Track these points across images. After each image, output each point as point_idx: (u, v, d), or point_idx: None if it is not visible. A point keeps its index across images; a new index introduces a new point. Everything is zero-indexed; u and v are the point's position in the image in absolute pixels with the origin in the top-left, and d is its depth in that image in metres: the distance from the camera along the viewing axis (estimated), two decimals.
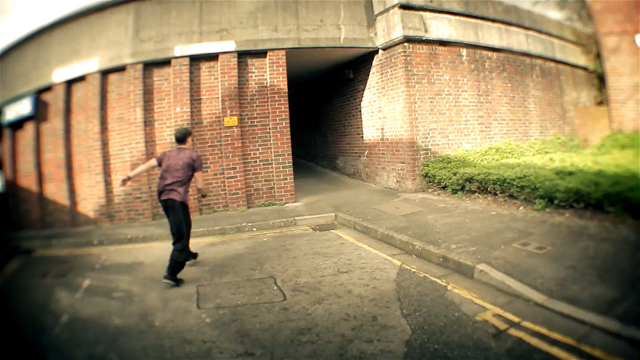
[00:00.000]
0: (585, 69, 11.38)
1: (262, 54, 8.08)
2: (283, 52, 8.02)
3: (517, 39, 9.54)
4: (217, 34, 8.09)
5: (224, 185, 8.10)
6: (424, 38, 8.06)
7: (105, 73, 8.43)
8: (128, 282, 4.73)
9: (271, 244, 5.91)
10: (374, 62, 8.74)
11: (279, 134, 8.04)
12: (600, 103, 11.37)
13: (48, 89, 8.84)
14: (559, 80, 10.47)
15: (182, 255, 4.43)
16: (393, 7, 8.05)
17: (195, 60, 8.08)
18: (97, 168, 8.40)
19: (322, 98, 11.58)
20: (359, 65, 9.10)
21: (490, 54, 9.00)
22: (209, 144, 8.12)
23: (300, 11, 8.22)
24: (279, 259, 5.15)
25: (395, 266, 4.59)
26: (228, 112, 8.02)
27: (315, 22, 8.25)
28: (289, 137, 8.09)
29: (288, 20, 8.14)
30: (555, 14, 11.93)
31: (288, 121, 8.12)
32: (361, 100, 9.30)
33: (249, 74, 8.11)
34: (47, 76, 8.90)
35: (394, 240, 5.42)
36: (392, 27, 8.11)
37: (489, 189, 6.66)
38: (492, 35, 9.00)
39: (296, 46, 8.07)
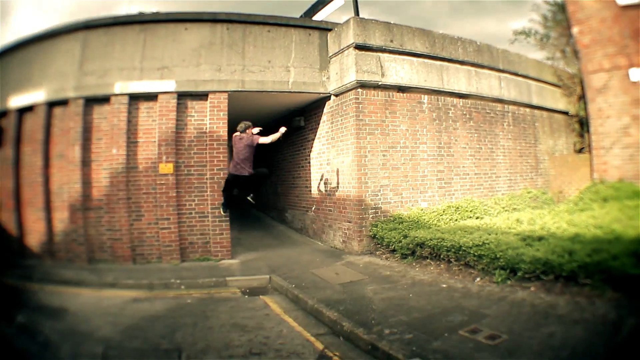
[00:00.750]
0: (565, 113, 9.63)
1: (203, 96, 6.71)
2: (225, 95, 6.63)
3: (488, 83, 7.91)
4: (158, 71, 6.73)
5: (158, 236, 6.80)
6: (380, 83, 6.57)
7: (51, 105, 7.21)
8: (50, 328, 4.24)
9: (193, 308, 5.05)
10: (325, 110, 7.31)
11: (216, 185, 6.68)
12: (581, 151, 9.63)
13: (5, 114, 7.65)
14: (533, 127, 8.79)
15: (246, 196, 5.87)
16: (348, 47, 6.57)
17: (135, 99, 6.82)
18: (39, 204, 7.25)
19: (274, 147, 10.02)
20: (310, 112, 7.64)
21: (455, 100, 7.41)
22: (144, 191, 6.85)
23: (248, 50, 6.77)
24: (194, 327, 4.34)
25: (316, 351, 3.68)
26: (164, 158, 6.71)
27: (263, 63, 6.79)
28: None
29: (233, 60, 6.71)
30: (534, 54, 10.13)
31: (227, 172, 6.71)
32: (311, 151, 7.84)
33: (188, 118, 6.74)
34: (4, 100, 7.70)
35: (323, 316, 4.35)
36: (345, 70, 6.64)
37: (442, 256, 5.22)
38: (459, 79, 7.41)
39: (240, 89, 6.68)
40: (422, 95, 7.13)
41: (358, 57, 6.57)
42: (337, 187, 7.02)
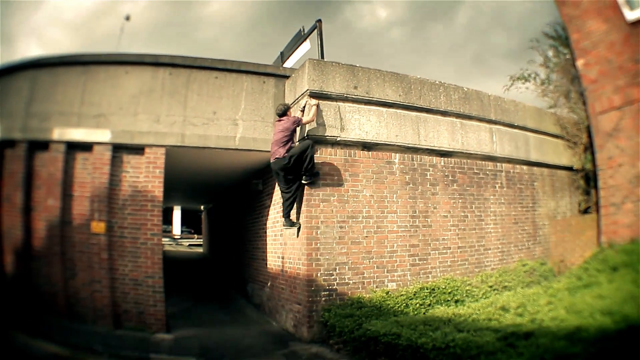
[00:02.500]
0: (569, 169, 7.70)
1: (139, 150, 5.31)
2: (162, 150, 5.21)
3: (477, 137, 6.18)
4: (95, 119, 5.41)
5: (93, 298, 5.40)
6: (338, 139, 4.99)
7: (2, 145, 6.01)
8: None
9: None
10: None
11: (149, 252, 5.22)
12: (586, 211, 7.66)
13: None
14: (532, 188, 6.91)
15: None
16: (302, 96, 5.05)
17: (72, 148, 5.48)
18: None
19: (237, 213, 8.37)
20: (268, 174, 6.01)
21: (435, 159, 5.72)
22: (78, 249, 5.51)
23: (191, 99, 5.37)
24: None
25: None
26: (96, 215, 5.30)
27: (207, 115, 5.37)
28: (161, 256, 5.23)
29: (174, 110, 5.31)
30: (535, 102, 8.32)
31: (161, 238, 5.31)
32: (267, 219, 6.23)
33: (123, 174, 5.35)
34: None
35: None
36: None
37: (397, 356, 3.59)
38: (440, 133, 5.74)
39: (179, 144, 5.23)
40: (393, 154, 5.46)
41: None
42: (288, 262, 5.42)
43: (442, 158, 5.75)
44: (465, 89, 6.19)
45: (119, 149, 5.40)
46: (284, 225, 5.16)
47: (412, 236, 5.43)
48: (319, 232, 4.85)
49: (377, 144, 5.22)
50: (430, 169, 5.61)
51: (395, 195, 5.32)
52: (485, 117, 6.32)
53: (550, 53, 8.14)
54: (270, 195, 5.97)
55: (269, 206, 6.00)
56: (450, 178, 5.79)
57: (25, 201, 5.63)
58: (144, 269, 5.39)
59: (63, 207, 5.44)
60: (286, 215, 5.00)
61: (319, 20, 6.37)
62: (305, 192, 4.89)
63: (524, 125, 7.03)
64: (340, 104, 5.07)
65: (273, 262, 5.91)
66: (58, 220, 5.47)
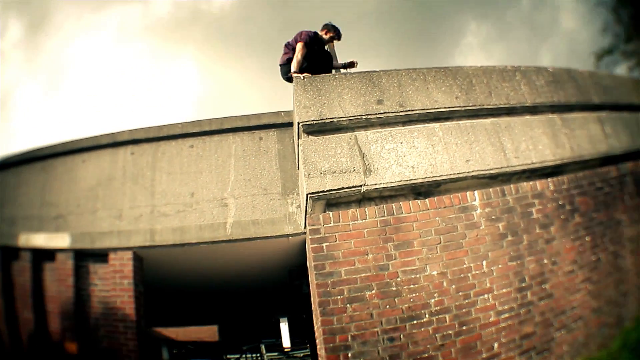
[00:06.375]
0: None
1: (103, 256, 3.15)
2: (129, 255, 3.14)
3: (587, 134, 3.26)
4: (54, 221, 3.63)
5: None
6: (364, 190, 2.63)
7: None
8: None
9: None
10: None
11: None
12: None
13: None
14: None
15: None
16: (298, 136, 2.48)
17: (38, 256, 3.76)
18: None
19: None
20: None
21: (540, 184, 2.95)
22: None
23: (159, 181, 3.23)
24: None
25: None
26: (67, 334, 3.28)
27: (182, 199, 3.16)
28: None
29: (139, 199, 3.22)
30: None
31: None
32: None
33: (92, 287, 3.38)
34: None
35: None
36: (301, 182, 2.53)
37: None
38: (536, 140, 3.06)
39: (148, 244, 3.12)
40: (469, 194, 2.74)
41: (307, 151, 2.62)
42: None
43: (549, 180, 2.92)
44: (551, 69, 3.38)
45: (82, 257, 3.50)
46: None
47: (523, 322, 2.69)
48: (349, 355, 2.32)
49: (438, 183, 2.52)
50: (535, 201, 2.81)
51: (485, 262, 2.61)
52: (588, 103, 3.43)
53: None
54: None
55: None
56: (567, 208, 2.93)
57: (7, 312, 3.91)
58: None
59: (37, 322, 3.62)
60: None
61: None
62: (316, 289, 2.28)
63: (629, 102, 3.83)
64: (359, 132, 2.59)
65: None
66: (34, 336, 3.72)
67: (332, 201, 2.59)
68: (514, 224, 2.84)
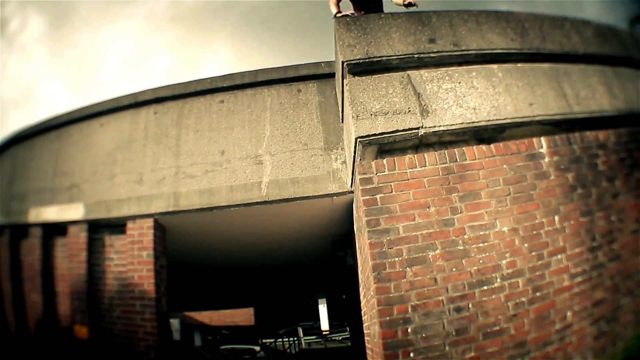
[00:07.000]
0: None
1: (121, 226, 2.72)
2: (149, 222, 2.69)
3: (635, 88, 2.89)
4: (67, 192, 3.21)
5: None
6: (422, 133, 2.19)
7: None
8: None
9: None
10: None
11: None
12: None
13: None
14: None
15: None
16: (342, 78, 2.11)
17: (49, 231, 3.34)
18: None
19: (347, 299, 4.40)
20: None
21: (602, 135, 2.55)
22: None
23: (185, 140, 2.84)
24: None
25: None
26: (78, 317, 2.74)
27: (211, 157, 2.76)
28: None
29: (162, 161, 2.81)
30: None
31: (156, 353, 2.45)
32: (361, 308, 3.01)
33: (107, 262, 2.90)
34: None
35: None
36: (347, 130, 2.12)
37: None
38: (594, 89, 2.66)
39: (171, 209, 2.71)
40: (535, 140, 2.37)
41: (355, 91, 2.25)
42: None
43: (610, 131, 2.50)
44: (594, 24, 3.01)
45: (97, 228, 3.05)
46: None
47: (595, 287, 2.33)
48: (409, 330, 1.86)
49: (502, 127, 2.16)
50: (600, 152, 2.39)
51: (557, 217, 2.21)
52: (632, 58, 3.02)
53: None
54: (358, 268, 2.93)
55: (359, 286, 2.89)
56: (628, 161, 2.50)
57: (14, 293, 3.50)
58: None
59: (46, 305, 3.21)
60: None
61: None
62: (369, 250, 1.88)
63: None
64: (411, 72, 2.26)
65: None
66: (42, 321, 3.22)
67: (385, 147, 2.22)
68: (583, 175, 2.45)
